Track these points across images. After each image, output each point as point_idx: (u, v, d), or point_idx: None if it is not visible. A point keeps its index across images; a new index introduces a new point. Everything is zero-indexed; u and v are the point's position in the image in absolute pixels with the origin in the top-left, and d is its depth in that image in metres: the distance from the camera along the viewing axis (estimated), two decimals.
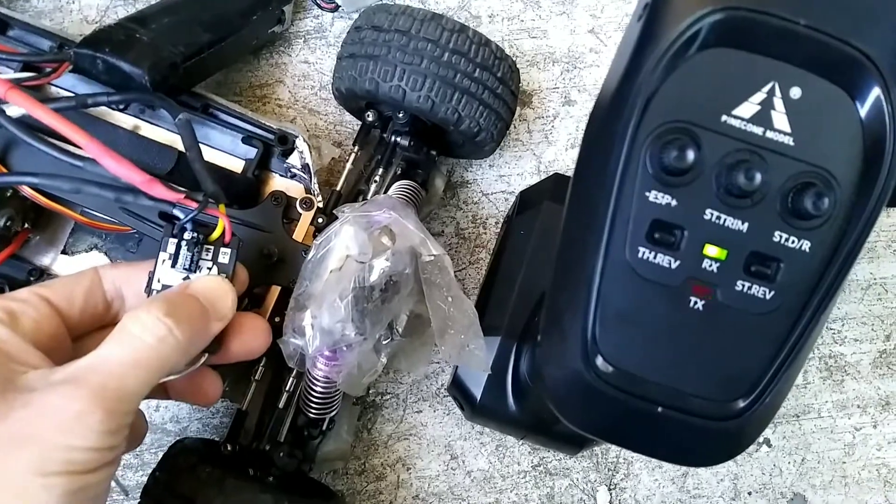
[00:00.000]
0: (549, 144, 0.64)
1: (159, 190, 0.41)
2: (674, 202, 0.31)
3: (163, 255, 0.43)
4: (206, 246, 0.44)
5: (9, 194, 0.50)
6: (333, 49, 0.65)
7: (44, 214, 0.54)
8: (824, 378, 0.66)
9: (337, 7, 0.64)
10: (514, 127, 0.65)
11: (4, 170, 0.49)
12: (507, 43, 0.66)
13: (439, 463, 0.60)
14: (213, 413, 0.58)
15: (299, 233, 0.52)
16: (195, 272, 0.43)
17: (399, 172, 0.56)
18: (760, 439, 0.64)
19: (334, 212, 0.50)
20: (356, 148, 0.56)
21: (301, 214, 0.53)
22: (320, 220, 0.53)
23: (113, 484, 0.38)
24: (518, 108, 0.65)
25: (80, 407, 0.33)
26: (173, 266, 0.43)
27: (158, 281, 0.43)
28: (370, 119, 0.55)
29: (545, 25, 0.66)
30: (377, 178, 0.55)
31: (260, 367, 0.52)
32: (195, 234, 0.43)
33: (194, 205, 0.42)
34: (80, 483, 0.33)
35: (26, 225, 0.53)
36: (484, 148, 0.56)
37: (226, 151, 0.55)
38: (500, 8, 0.66)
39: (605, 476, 0.61)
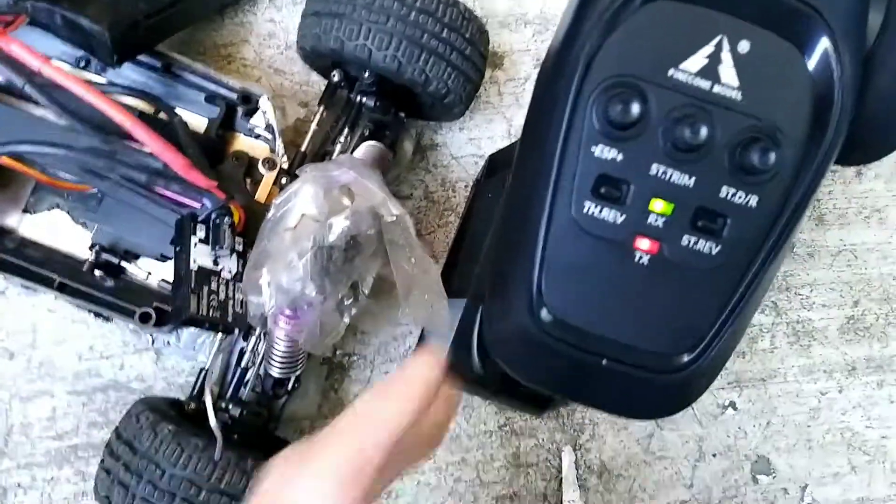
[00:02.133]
0: (519, 108, 0.64)
1: (195, 175, 0.45)
2: (620, 156, 0.31)
3: (194, 239, 0.47)
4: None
5: None
6: (300, 7, 0.63)
7: (4, 174, 0.53)
8: (791, 343, 0.66)
9: None
10: (485, 90, 0.64)
11: None
12: (479, 4, 0.65)
13: None
14: (179, 372, 0.59)
15: (261, 194, 0.52)
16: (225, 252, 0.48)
17: (366, 134, 0.56)
18: (726, 402, 0.64)
19: (296, 172, 0.50)
20: (321, 108, 0.56)
21: (263, 175, 0.53)
22: (283, 181, 0.53)
23: None
24: (489, 71, 0.64)
25: None
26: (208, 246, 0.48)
27: (195, 261, 0.46)
28: (336, 79, 0.55)
29: None
30: (342, 139, 0.54)
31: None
32: (228, 220, 0.48)
33: (222, 195, 0.47)
34: None
35: None
36: (453, 110, 0.56)
37: (189, 111, 0.54)
38: None
39: (571, 437, 0.62)
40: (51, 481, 0.57)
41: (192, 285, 0.46)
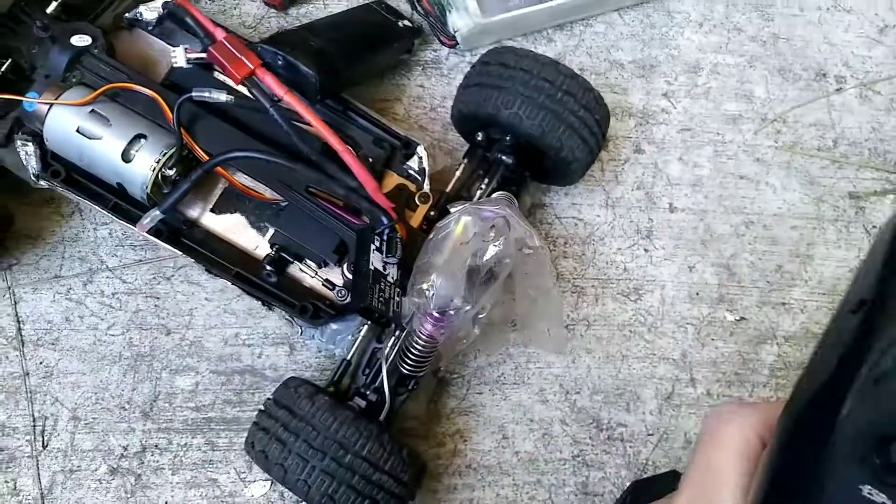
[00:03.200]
0: (617, 184, 0.75)
1: (381, 198, 0.57)
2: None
3: (372, 247, 0.58)
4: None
5: (185, 153, 0.60)
6: (445, 79, 0.76)
7: (208, 179, 0.63)
8: None
9: (456, 44, 0.76)
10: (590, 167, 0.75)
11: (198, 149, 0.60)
12: None
13: (492, 440, 0.69)
14: (307, 367, 0.68)
15: (416, 220, 0.63)
16: (393, 260, 0.59)
17: (496, 186, 0.66)
18: None
19: (448, 207, 0.61)
20: (465, 160, 0.67)
21: (418, 206, 0.64)
22: (431, 213, 0.63)
23: None
24: None
25: None
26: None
27: (372, 264, 0.57)
28: (480, 138, 0.66)
29: (626, 84, 0.78)
30: (483, 185, 0.65)
31: (365, 325, 0.61)
32: (399, 236, 0.59)
33: (395, 215, 0.59)
34: None
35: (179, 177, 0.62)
36: (571, 177, 0.67)
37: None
38: (590, 64, 0.78)
39: (636, 475, 0.69)
40: (184, 446, 0.66)
41: (370, 282, 0.56)
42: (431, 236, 0.57)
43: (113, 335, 0.68)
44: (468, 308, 0.55)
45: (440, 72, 0.77)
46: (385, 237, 0.59)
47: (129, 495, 0.64)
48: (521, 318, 0.58)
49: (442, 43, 0.76)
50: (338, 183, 0.57)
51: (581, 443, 0.70)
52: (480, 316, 0.58)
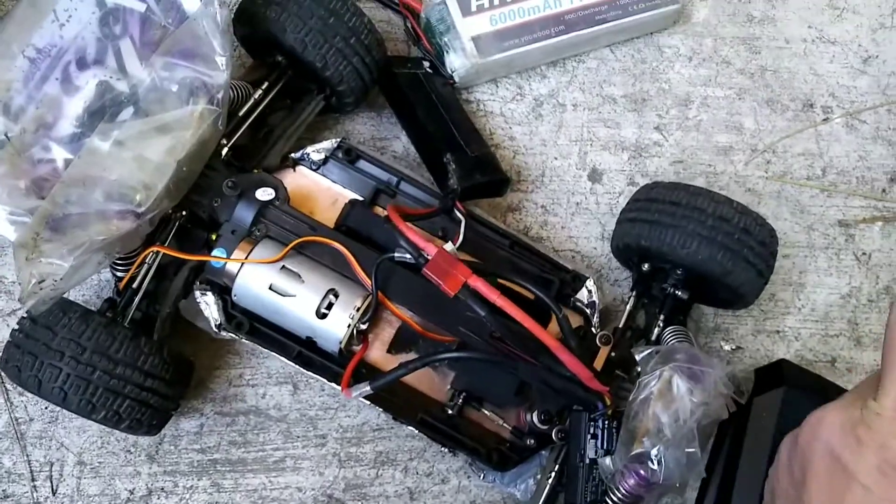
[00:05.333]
0: (612, 216, 0.76)
1: (596, 384, 0.58)
2: None
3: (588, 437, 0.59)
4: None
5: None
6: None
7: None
8: None
9: (453, 83, 0.77)
10: (585, 198, 0.77)
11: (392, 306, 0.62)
12: (586, 129, 0.79)
13: None
14: (311, 406, 0.68)
15: (598, 362, 0.64)
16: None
17: (666, 316, 0.66)
18: None
19: (631, 351, 0.60)
20: (633, 293, 0.68)
21: (600, 348, 0.65)
22: (612, 354, 0.65)
23: None
24: (589, 184, 0.77)
25: None
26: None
27: (586, 454, 0.59)
28: (646, 269, 0.66)
29: (618, 118, 0.79)
30: (660, 322, 0.65)
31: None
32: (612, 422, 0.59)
33: (611, 399, 0.59)
34: None
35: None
36: (743, 299, 0.66)
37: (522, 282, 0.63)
38: (582, 100, 0.79)
39: None
40: (190, 489, 0.66)
41: (582, 480, 0.58)
42: (633, 394, 0.56)
43: None
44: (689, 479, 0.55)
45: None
46: (604, 427, 0.59)
47: None
48: None
49: None
50: (553, 375, 0.58)
51: None
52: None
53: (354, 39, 0.66)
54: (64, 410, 0.66)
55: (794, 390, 0.62)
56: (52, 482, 0.65)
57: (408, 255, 0.58)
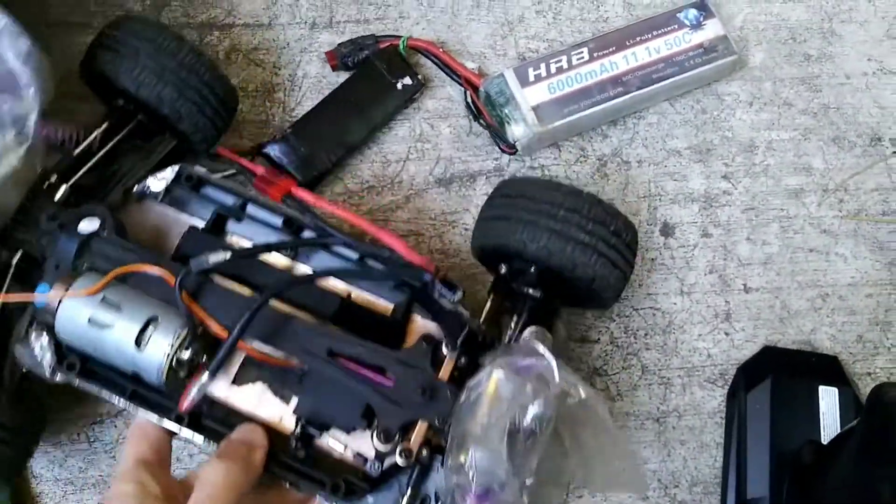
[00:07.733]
0: (689, 270, 0.76)
1: (415, 256, 0.61)
2: None
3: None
4: None
5: (199, 331, 0.56)
6: None
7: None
8: None
9: (515, 151, 0.78)
10: (660, 253, 0.77)
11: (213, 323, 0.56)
12: (653, 184, 0.79)
13: None
14: None
15: (444, 373, 0.58)
16: None
17: (527, 319, 0.62)
18: None
19: (480, 360, 0.56)
20: (491, 296, 0.64)
21: (446, 356, 0.58)
22: (462, 361, 0.58)
23: None
24: (662, 238, 0.77)
25: None
26: None
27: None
28: (503, 271, 0.64)
29: (685, 171, 0.80)
30: (511, 324, 0.62)
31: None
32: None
33: (433, 267, 0.61)
34: None
35: (204, 358, 0.57)
36: (605, 303, 0.65)
37: (375, 293, 0.62)
38: (647, 156, 0.80)
39: None
40: None
41: None
42: (463, 398, 0.53)
43: None
44: (514, 481, 0.51)
45: (503, 178, 0.79)
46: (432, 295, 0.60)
47: None
48: (582, 469, 0.54)
49: (503, 151, 0.79)
50: (371, 257, 0.62)
51: None
52: (528, 482, 0.53)
53: (207, 90, 0.68)
54: None
55: (780, 376, 0.69)
56: None
57: (204, 260, 0.56)
